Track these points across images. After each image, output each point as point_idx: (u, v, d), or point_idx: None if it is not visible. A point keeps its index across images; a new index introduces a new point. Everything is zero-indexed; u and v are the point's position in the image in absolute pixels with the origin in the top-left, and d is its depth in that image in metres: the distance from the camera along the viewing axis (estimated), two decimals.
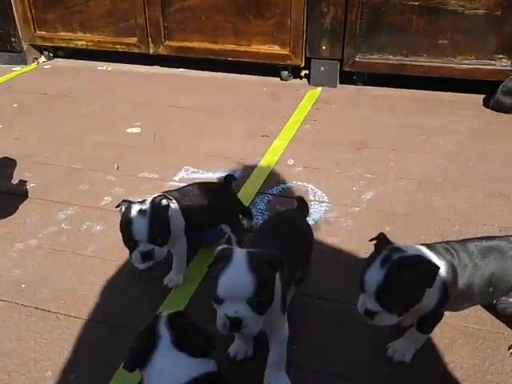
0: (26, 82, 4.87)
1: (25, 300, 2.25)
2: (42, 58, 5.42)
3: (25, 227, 2.73)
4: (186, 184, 2.49)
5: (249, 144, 3.59)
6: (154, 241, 1.98)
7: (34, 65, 5.30)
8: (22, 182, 3.15)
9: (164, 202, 2.07)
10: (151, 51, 4.94)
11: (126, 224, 1.98)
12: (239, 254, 1.59)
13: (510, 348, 1.94)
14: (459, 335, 2.01)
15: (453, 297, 1.78)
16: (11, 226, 2.75)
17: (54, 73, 5.14)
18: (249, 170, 3.25)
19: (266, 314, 1.58)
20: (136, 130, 3.84)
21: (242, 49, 4.65)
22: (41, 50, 5.40)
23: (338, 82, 4.59)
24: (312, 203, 2.89)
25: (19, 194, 3.02)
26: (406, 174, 3.18)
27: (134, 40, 4.93)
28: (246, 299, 1.52)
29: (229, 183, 2.46)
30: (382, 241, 1.75)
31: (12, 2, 5.03)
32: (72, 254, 2.52)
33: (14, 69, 5.21)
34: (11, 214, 2.82)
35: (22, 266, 2.45)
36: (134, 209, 1.99)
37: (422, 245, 1.82)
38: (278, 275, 1.64)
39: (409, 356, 1.90)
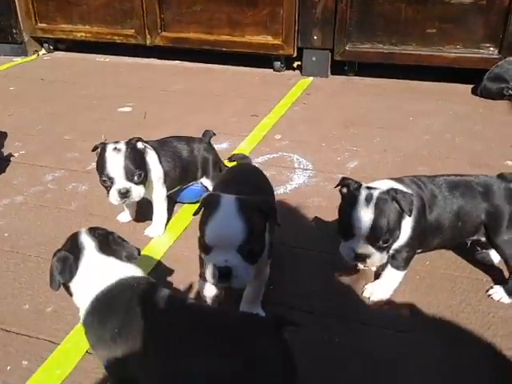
0: (24, 70, 4.97)
1: (7, 246, 2.29)
2: (43, 51, 5.52)
3: (11, 186, 2.80)
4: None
5: (237, 121, 3.66)
6: (130, 178, 2.03)
7: (34, 56, 5.41)
8: (13, 150, 3.22)
9: (139, 144, 2.11)
10: (148, 42, 5.03)
11: (102, 162, 2.02)
12: (228, 200, 1.48)
13: (487, 291, 1.95)
14: (438, 280, 2.03)
15: (423, 229, 1.81)
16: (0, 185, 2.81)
17: (53, 63, 5.24)
18: (236, 142, 3.30)
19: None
20: (127, 109, 3.91)
21: (235, 39, 4.75)
22: (41, 42, 5.51)
23: (329, 71, 4.67)
24: (296, 170, 2.94)
25: (7, 160, 3.08)
26: (391, 147, 3.22)
27: (131, 31, 5.04)
28: (236, 247, 1.41)
29: (208, 137, 2.49)
30: (349, 184, 1.75)
31: None
32: (56, 208, 2.57)
33: (14, 59, 5.31)
34: None
35: (6, 218, 2.50)
36: (110, 148, 2.04)
37: (391, 179, 1.85)
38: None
39: (386, 294, 1.91)
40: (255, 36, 4.70)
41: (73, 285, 1.44)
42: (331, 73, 4.71)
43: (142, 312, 1.28)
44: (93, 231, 1.51)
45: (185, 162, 2.36)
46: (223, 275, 1.41)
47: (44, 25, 5.31)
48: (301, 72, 4.77)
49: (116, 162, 2.02)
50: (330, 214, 2.45)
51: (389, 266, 1.89)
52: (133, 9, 4.93)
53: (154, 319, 1.28)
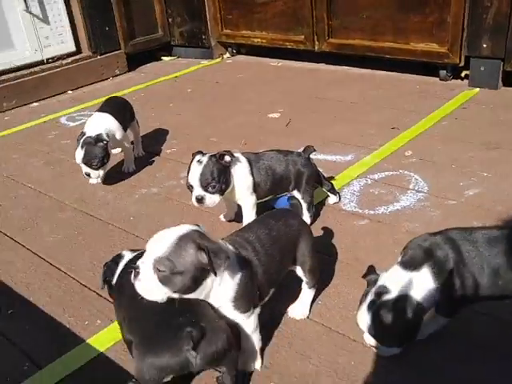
0: (206, 73, 5.59)
1: (128, 227, 2.74)
2: (227, 54, 6.10)
3: (152, 179, 3.31)
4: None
5: (375, 134, 3.61)
6: (205, 188, 2.29)
7: (219, 59, 6.01)
8: (167, 147, 3.75)
9: (227, 157, 2.31)
10: (316, 48, 5.20)
11: (188, 171, 2.34)
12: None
13: None
14: None
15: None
16: (143, 177, 3.37)
17: (232, 66, 5.77)
18: (361, 155, 3.30)
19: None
20: (276, 115, 4.15)
21: (399, 46, 4.61)
22: (226, 47, 6.09)
23: (500, 83, 4.24)
24: (408, 192, 2.84)
25: (160, 155, 3.62)
26: None
27: (301, 38, 5.26)
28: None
29: (308, 153, 2.57)
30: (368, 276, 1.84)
31: (206, 5, 5.80)
32: (178, 202, 2.98)
33: (201, 62, 5.99)
34: (147, 169, 3.47)
35: (137, 205, 3.01)
36: (196, 159, 2.32)
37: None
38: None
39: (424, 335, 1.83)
40: (420, 43, 4.51)
41: None
42: (504, 84, 4.28)
43: None
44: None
45: (278, 175, 2.50)
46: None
47: (228, 31, 5.86)
48: (468, 82, 4.43)
49: (195, 172, 2.29)
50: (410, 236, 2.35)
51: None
52: (304, 17, 5.14)
53: None
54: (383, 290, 1.72)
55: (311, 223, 2.56)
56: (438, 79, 4.61)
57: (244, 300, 1.66)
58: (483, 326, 1.89)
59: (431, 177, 2.96)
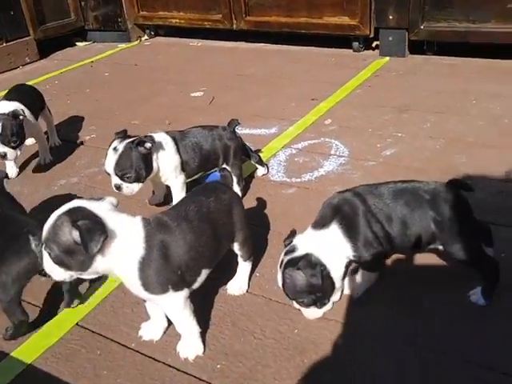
0: (123, 56, 5.52)
1: None
2: (145, 37, 6.04)
3: (72, 168, 3.22)
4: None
5: (296, 106, 3.76)
6: (121, 177, 2.29)
7: (136, 42, 5.94)
8: (85, 134, 3.68)
9: (146, 144, 2.26)
10: (234, 27, 5.27)
11: (105, 156, 2.35)
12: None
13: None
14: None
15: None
16: (61, 167, 3.25)
17: (151, 48, 5.73)
18: (284, 127, 3.43)
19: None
20: (199, 93, 4.20)
21: (313, 21, 4.79)
22: (144, 29, 6.03)
23: (406, 51, 4.53)
24: (330, 157, 3.00)
25: (78, 143, 3.54)
26: (438, 134, 3.13)
27: (218, 17, 5.31)
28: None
29: (232, 126, 2.63)
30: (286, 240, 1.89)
31: None
32: (100, 189, 2.89)
33: (119, 45, 5.90)
34: (66, 158, 3.34)
35: (57, 197, 2.86)
36: (112, 146, 2.30)
37: None
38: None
39: (360, 292, 1.97)
40: (332, 17, 4.70)
41: None
42: (411, 52, 4.57)
43: None
44: None
45: (205, 151, 2.53)
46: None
47: (145, 12, 5.80)
48: (379, 52, 4.68)
49: (111, 161, 2.27)
50: None
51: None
52: None
53: None
54: (291, 249, 1.79)
55: (242, 196, 2.63)
56: (351, 51, 4.84)
57: (155, 280, 1.60)
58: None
59: (350, 141, 3.15)
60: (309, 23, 4.82)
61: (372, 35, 4.61)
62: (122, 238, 1.57)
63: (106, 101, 4.27)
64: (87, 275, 1.61)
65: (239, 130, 3.34)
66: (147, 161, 2.31)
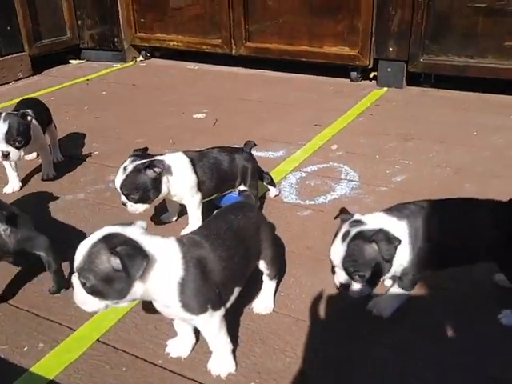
0: (119, 76, 5.49)
1: (58, 238, 2.56)
2: (140, 58, 6.04)
3: (77, 183, 3.15)
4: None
5: (301, 131, 3.79)
6: (126, 196, 2.31)
7: (132, 62, 5.94)
8: (87, 150, 3.62)
9: (156, 169, 2.25)
10: (233, 52, 5.32)
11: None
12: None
13: None
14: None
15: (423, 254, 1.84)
16: (65, 181, 3.18)
17: (147, 69, 5.73)
18: (291, 151, 3.45)
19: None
20: (201, 115, 4.20)
21: (314, 50, 4.88)
22: (139, 50, 6.04)
23: (404, 83, 4.64)
24: (341, 181, 3.02)
25: (81, 159, 3.47)
26: (445, 162, 3.19)
27: (218, 41, 5.36)
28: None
29: (249, 148, 2.62)
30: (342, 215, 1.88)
31: (119, 7, 5.70)
32: (110, 206, 2.84)
33: (113, 65, 5.88)
34: (69, 174, 3.27)
35: (63, 212, 2.79)
36: (123, 165, 2.31)
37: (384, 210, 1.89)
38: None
39: (388, 311, 1.95)
40: (333, 47, 4.80)
41: None
42: (408, 84, 4.68)
43: None
44: None
45: (223, 171, 2.51)
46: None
47: (142, 34, 5.82)
48: (377, 83, 4.79)
49: (118, 180, 2.29)
50: None
51: (395, 285, 1.95)
52: (221, 20, 5.24)
53: None
54: (359, 223, 1.78)
55: None
56: (348, 80, 4.93)
57: (195, 300, 1.56)
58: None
59: (360, 167, 3.18)
60: (309, 52, 4.91)
61: (371, 66, 4.71)
62: (160, 261, 1.52)
63: (106, 118, 4.23)
64: (124, 302, 1.55)
65: None
66: (155, 184, 2.30)
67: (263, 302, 2.01)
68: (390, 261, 1.74)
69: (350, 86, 4.83)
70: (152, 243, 1.53)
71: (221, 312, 1.65)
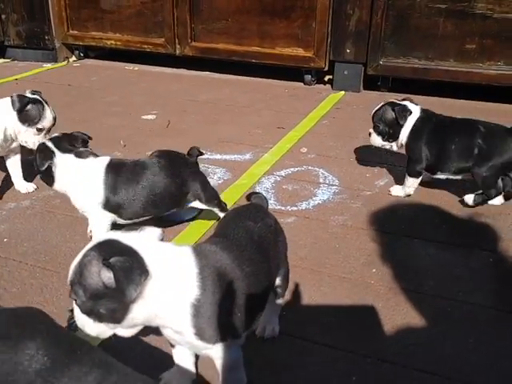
0: (52, 76, 4.96)
1: (4, 252, 2.16)
2: (73, 58, 5.53)
3: (19, 191, 2.70)
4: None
5: (263, 133, 3.52)
6: None
7: (64, 63, 5.41)
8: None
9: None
10: (177, 52, 4.97)
11: None
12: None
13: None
14: None
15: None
16: (8, 187, 2.73)
17: (82, 70, 5.23)
18: (259, 154, 3.16)
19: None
20: (151, 117, 3.81)
21: (266, 51, 4.64)
22: (72, 49, 5.52)
23: (361, 86, 4.50)
24: (321, 185, 2.77)
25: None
26: None
27: (161, 40, 4.98)
28: None
29: (193, 155, 2.19)
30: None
31: (49, 1, 5.17)
32: (62, 215, 2.45)
33: (44, 65, 5.33)
34: (6, 179, 2.80)
35: (8, 223, 2.39)
36: None
37: None
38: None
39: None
40: (286, 48, 4.58)
41: None
42: (364, 88, 4.54)
43: None
44: None
45: (156, 192, 2.08)
46: None
47: (75, 32, 5.32)
48: (332, 86, 4.61)
49: None
50: (355, 234, 2.28)
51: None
52: (164, 19, 4.88)
53: None
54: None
55: None
56: (302, 84, 4.72)
57: (213, 327, 1.24)
58: None
59: (337, 171, 2.94)
60: (260, 53, 4.66)
61: (326, 68, 4.53)
62: (170, 276, 1.19)
63: None
64: (123, 328, 1.19)
65: (208, 155, 3.06)
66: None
67: (270, 326, 1.67)
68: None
69: (305, 90, 4.62)
70: (160, 254, 1.20)
71: (241, 340, 1.33)
